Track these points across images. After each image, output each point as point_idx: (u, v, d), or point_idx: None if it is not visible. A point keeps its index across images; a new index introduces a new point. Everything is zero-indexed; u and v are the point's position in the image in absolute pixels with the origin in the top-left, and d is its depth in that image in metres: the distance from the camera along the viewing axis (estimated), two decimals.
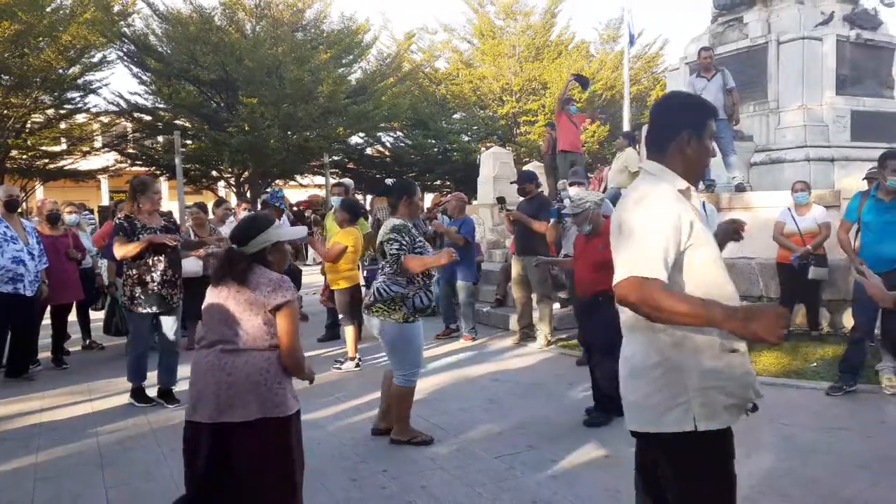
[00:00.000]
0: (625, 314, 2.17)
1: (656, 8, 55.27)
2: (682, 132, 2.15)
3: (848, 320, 6.39)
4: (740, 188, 8.69)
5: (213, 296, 2.72)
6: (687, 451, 2.05)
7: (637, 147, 10.15)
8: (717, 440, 2.07)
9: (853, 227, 5.50)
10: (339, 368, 6.62)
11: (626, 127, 17.83)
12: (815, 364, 6.11)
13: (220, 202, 7.73)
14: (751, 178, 9.99)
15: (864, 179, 7.03)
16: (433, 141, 24.30)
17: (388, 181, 4.93)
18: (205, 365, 2.65)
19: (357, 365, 6.66)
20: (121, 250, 5.28)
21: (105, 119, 21.15)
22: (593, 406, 4.97)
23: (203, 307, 2.78)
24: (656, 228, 2.00)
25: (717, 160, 8.99)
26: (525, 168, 12.07)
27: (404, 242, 4.34)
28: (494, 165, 12.80)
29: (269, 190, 8.48)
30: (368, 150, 26.74)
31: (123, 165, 22.44)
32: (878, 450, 4.13)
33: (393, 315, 4.34)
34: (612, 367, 4.86)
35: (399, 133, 25.69)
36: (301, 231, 3.39)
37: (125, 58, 19.97)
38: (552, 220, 7.06)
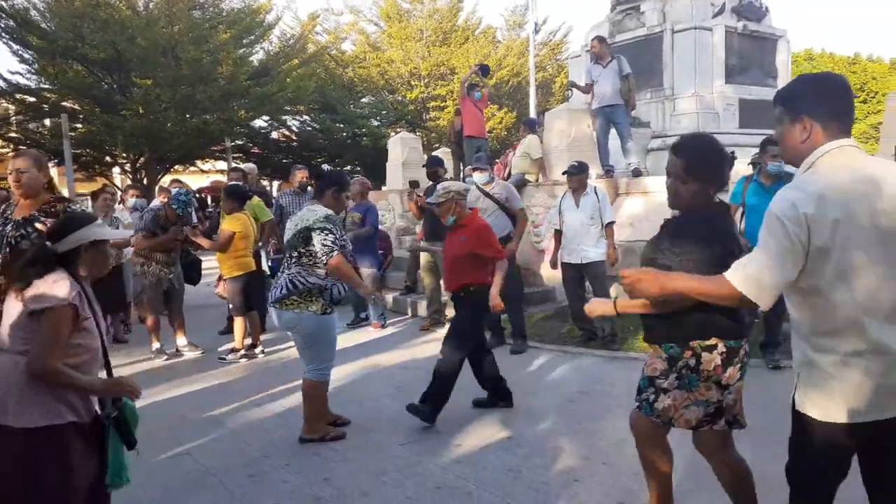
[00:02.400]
0: None
1: None
2: None
3: None
4: (637, 173, 9.00)
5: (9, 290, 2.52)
6: None
7: (539, 133, 10.33)
8: None
9: (738, 209, 5.78)
10: (224, 360, 6.46)
11: (532, 113, 18.14)
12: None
13: (99, 192, 7.20)
14: (647, 163, 10.38)
15: (748, 164, 7.43)
16: (342, 125, 23.91)
17: (325, 167, 4.71)
18: None
19: (245, 356, 6.50)
20: None
21: None
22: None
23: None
24: None
25: (616, 146, 9.29)
26: (433, 154, 12.07)
27: (337, 236, 4.14)
28: (403, 150, 12.73)
29: (171, 186, 7.81)
30: (274, 134, 26.02)
31: (5, 151, 20.79)
32: (761, 421, 4.37)
33: (310, 307, 4.15)
34: (454, 361, 4.60)
35: (306, 117, 25.12)
36: (124, 233, 3.11)
37: (3, 34, 18.48)
38: None
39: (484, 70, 11.07)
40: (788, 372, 5.53)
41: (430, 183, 8.19)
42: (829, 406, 1.99)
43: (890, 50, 67.56)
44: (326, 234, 4.09)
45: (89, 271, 2.58)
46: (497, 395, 4.93)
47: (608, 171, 9.14)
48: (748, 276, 2.00)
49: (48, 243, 2.54)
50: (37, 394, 2.37)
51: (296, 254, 4.20)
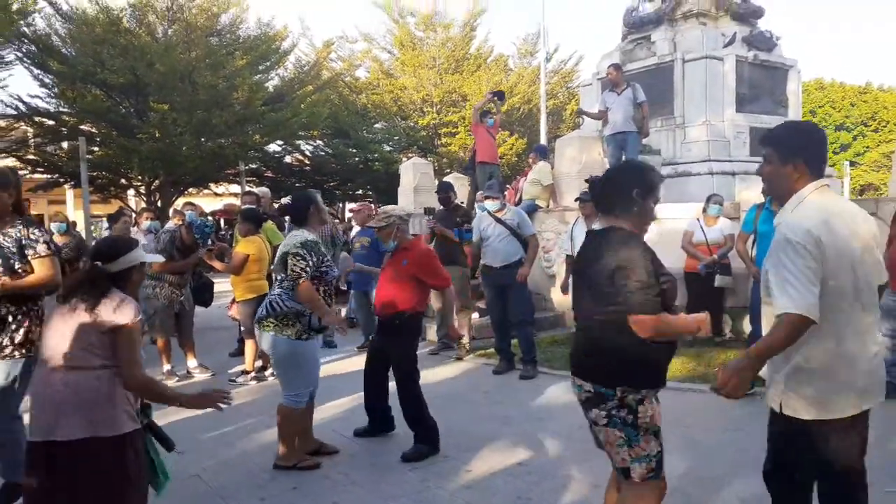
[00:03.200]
0: None
1: (572, 24, 57.04)
2: None
3: (748, 326, 6.72)
4: None
5: (58, 311, 2.66)
6: None
7: (550, 160, 10.39)
8: None
9: (750, 237, 5.79)
10: (234, 382, 6.48)
11: (543, 140, 18.25)
12: (717, 369, 6.35)
13: (118, 215, 7.26)
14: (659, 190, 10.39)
15: (762, 192, 7.43)
16: (354, 150, 24.13)
17: (284, 200, 4.74)
18: (38, 384, 2.65)
19: (255, 378, 6.53)
20: None
21: (2, 123, 19.92)
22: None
23: (47, 323, 2.74)
24: None
25: None
26: (445, 179, 12.16)
27: (311, 262, 4.12)
28: (415, 176, 12.82)
29: (185, 209, 7.88)
30: (287, 159, 26.28)
31: (24, 172, 21.04)
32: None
33: (285, 331, 4.13)
34: (414, 392, 4.57)
35: (319, 142, 25.37)
36: (158, 258, 3.23)
37: (25, 59, 18.87)
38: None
39: (499, 96, 11.19)
40: None
41: (441, 208, 8.27)
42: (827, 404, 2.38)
43: None
44: (298, 260, 4.09)
45: (132, 291, 2.75)
46: (383, 426, 4.87)
47: None
48: (806, 303, 2.24)
49: (98, 263, 2.69)
50: (121, 402, 2.57)
51: (279, 277, 4.26)
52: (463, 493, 3.86)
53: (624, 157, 9.14)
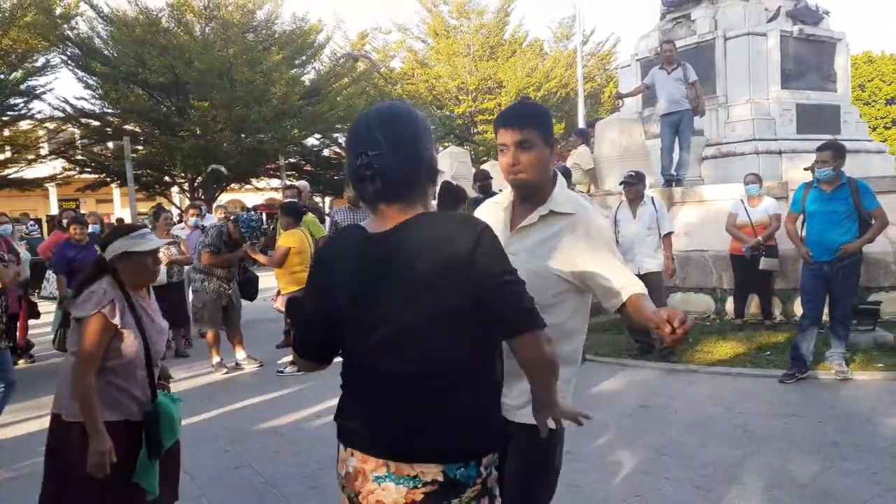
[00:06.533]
0: None
1: (608, 5, 56.08)
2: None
3: (799, 308, 6.54)
4: (678, 183, 8.78)
5: None
6: None
7: (591, 144, 10.25)
8: None
9: (799, 217, 5.62)
10: (282, 373, 6.57)
11: (580, 124, 18.03)
12: (768, 352, 6.24)
13: (158, 212, 7.38)
14: (702, 171, 10.19)
15: (806, 170, 7.21)
16: None
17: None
18: None
19: (300, 370, 6.62)
20: None
21: (50, 125, 20.57)
22: None
23: None
24: None
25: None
26: (482, 167, 12.12)
27: None
28: (452, 164, 12.82)
29: (230, 205, 8.01)
30: (326, 152, 26.54)
31: (72, 173, 21.81)
32: (828, 435, 4.23)
33: None
34: None
35: None
36: (159, 242, 2.89)
37: (69, 62, 19.44)
38: None
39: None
40: (856, 383, 5.31)
41: (480, 196, 8.24)
42: None
43: None
44: None
45: (129, 281, 2.64)
46: None
47: (668, 181, 8.92)
48: None
49: (102, 253, 2.71)
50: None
51: None
52: None
53: (678, 137, 8.90)
